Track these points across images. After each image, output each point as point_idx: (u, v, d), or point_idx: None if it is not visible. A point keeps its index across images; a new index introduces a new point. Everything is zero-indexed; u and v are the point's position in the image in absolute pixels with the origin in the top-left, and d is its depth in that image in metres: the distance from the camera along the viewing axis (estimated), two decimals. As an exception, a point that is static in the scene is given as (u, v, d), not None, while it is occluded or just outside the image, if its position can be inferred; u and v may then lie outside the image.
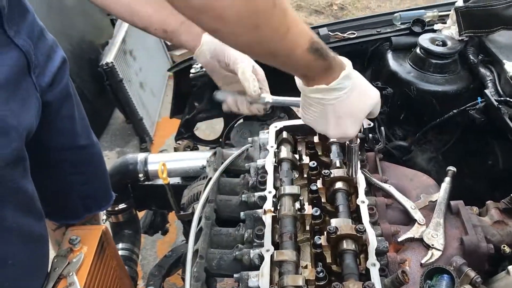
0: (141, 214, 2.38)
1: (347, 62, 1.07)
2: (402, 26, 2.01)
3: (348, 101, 1.08)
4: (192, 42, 1.33)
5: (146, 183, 2.07)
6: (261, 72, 1.42)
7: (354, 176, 1.37)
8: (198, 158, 2.01)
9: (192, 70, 2.10)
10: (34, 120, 1.22)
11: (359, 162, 1.38)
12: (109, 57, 3.29)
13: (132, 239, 2.13)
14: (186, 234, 1.95)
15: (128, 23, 1.32)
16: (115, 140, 3.84)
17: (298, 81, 1.09)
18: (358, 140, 1.29)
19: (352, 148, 1.30)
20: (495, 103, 1.53)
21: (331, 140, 1.55)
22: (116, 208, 2.08)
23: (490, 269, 1.36)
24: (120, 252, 2.03)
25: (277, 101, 1.42)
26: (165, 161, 1.88)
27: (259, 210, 1.40)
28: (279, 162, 1.51)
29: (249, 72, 1.32)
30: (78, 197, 1.61)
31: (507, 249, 1.31)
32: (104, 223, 2.07)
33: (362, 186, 1.40)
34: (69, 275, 1.42)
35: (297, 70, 1.04)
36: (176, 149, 2.28)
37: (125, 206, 2.09)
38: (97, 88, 3.61)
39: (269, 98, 1.40)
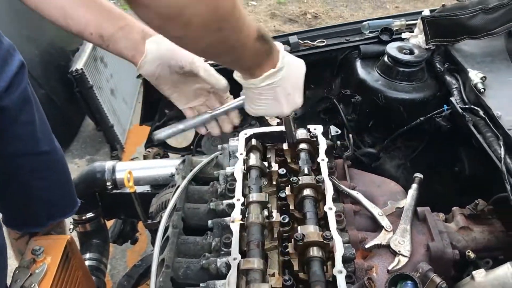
0: (109, 224, 2.33)
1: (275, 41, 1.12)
2: (371, 35, 2.04)
3: (290, 76, 1.15)
4: (132, 50, 1.16)
5: (115, 191, 2.03)
6: None
7: (294, 141, 1.47)
8: (167, 166, 1.99)
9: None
10: None
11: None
12: (79, 63, 3.23)
13: (100, 249, 2.08)
14: (154, 243, 1.92)
15: (62, 28, 1.16)
16: (85, 148, 3.77)
17: (241, 79, 1.13)
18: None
19: (288, 119, 1.37)
20: (460, 111, 1.56)
21: (300, 147, 1.55)
22: (84, 217, 2.03)
23: (456, 275, 1.38)
24: (87, 262, 1.98)
25: (218, 112, 1.29)
26: (133, 169, 1.85)
27: (227, 218, 1.39)
28: (248, 169, 1.50)
29: (211, 68, 1.26)
30: (40, 204, 1.56)
31: (472, 255, 1.33)
32: (71, 232, 2.02)
33: (330, 193, 1.40)
34: (31, 287, 1.38)
35: (246, 62, 1.07)
36: (145, 157, 2.25)
37: (92, 215, 2.05)
38: (67, 95, 3.53)
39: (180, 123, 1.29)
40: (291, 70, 1.15)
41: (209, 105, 1.29)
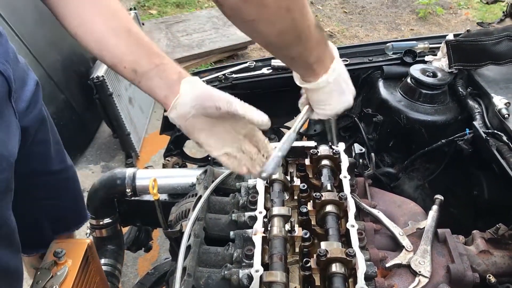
0: (124, 230, 2.35)
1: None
2: (394, 56, 2.07)
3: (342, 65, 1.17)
4: (165, 90, 1.04)
5: (133, 198, 2.05)
6: None
7: (335, 143, 1.44)
8: (187, 176, 2.00)
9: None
10: (17, 148, 1.17)
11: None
12: (100, 70, 3.28)
13: (115, 255, 2.09)
14: (173, 251, 1.93)
15: (97, 57, 1.09)
16: (100, 154, 3.81)
17: (307, 81, 1.13)
18: None
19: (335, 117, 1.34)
20: (484, 135, 1.57)
21: (322, 163, 1.56)
22: (101, 223, 2.04)
23: (475, 299, 1.38)
24: (102, 268, 1.99)
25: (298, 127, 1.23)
26: (154, 177, 1.87)
27: (249, 230, 1.40)
28: (270, 183, 1.52)
29: (249, 105, 1.14)
30: (49, 222, 1.57)
31: (493, 279, 1.33)
32: (87, 237, 2.04)
33: (352, 210, 1.41)
34: (52, 289, 1.40)
35: (312, 53, 1.05)
36: (164, 166, 2.26)
37: (110, 220, 2.06)
38: (86, 101, 3.59)
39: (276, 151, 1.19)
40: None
41: (244, 150, 1.16)
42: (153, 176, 1.75)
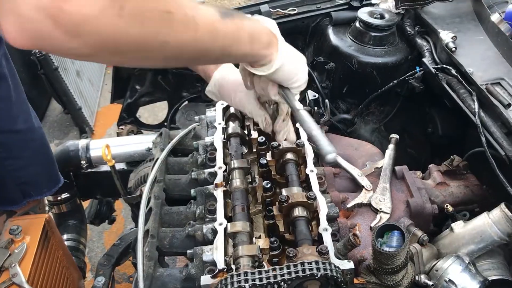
0: (85, 205, 2.29)
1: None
2: (341, 1, 2.04)
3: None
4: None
5: (89, 170, 1.99)
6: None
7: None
8: (143, 142, 1.96)
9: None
10: None
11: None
12: (41, 44, 3.12)
13: (77, 229, 2.04)
14: (135, 218, 1.90)
15: None
16: (53, 132, 3.68)
17: (259, 70, 1.09)
18: None
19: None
20: (433, 71, 1.59)
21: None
22: (59, 198, 1.99)
23: (435, 230, 1.42)
24: (65, 243, 1.95)
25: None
26: (107, 143, 1.82)
27: (210, 186, 1.38)
28: (227, 138, 1.50)
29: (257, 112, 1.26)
30: (15, 182, 1.52)
31: (450, 208, 1.37)
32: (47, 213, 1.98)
33: (310, 156, 1.41)
34: (11, 267, 1.35)
35: (246, 45, 1.01)
36: (119, 134, 2.20)
37: (68, 195, 2.00)
38: (31, 78, 3.42)
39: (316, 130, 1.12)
40: None
41: None
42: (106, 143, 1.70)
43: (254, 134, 1.54)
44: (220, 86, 1.29)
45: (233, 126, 1.51)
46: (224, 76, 1.28)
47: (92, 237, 2.82)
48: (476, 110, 1.34)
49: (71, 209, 2.04)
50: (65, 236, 1.99)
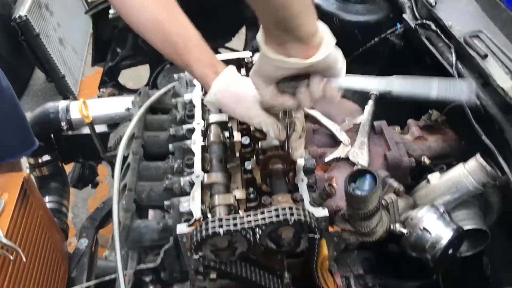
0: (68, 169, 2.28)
1: None
2: (323, -40, 2.01)
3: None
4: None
5: (70, 133, 1.97)
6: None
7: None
8: (123, 104, 1.94)
9: (111, 11, 1.99)
10: None
11: None
12: (22, 10, 3.05)
13: (59, 192, 2.03)
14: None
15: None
16: (37, 101, 3.63)
17: (304, 61, 0.89)
18: None
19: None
20: (413, 26, 1.58)
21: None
22: (40, 161, 1.97)
23: (412, 184, 1.43)
24: (47, 205, 1.94)
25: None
26: (89, 107, 1.80)
27: (188, 141, 1.38)
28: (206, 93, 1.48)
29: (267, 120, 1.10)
30: None
31: (427, 160, 1.38)
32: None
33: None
34: (-12, 223, 1.34)
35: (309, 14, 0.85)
36: (100, 97, 2.18)
37: (49, 158, 1.99)
38: (13, 46, 3.36)
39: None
40: None
41: None
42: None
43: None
44: (221, 97, 1.13)
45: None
46: (226, 86, 1.12)
47: (76, 203, 2.82)
48: (454, 62, 1.34)
49: (52, 171, 2.03)
50: (47, 199, 1.98)
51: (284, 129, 1.12)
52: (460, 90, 0.93)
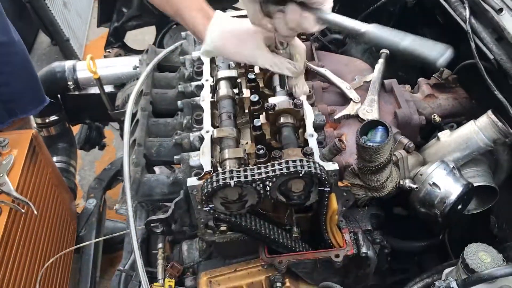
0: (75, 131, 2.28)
1: None
2: None
3: None
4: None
5: (77, 92, 1.97)
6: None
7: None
8: (130, 63, 1.92)
9: (116, -32, 1.96)
10: None
11: None
12: (25, -28, 3.02)
13: (67, 152, 2.05)
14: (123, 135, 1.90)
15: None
16: (41, 65, 3.57)
17: None
18: None
19: None
20: (425, -18, 1.55)
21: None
22: (47, 120, 1.98)
23: (422, 142, 1.42)
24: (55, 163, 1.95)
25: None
26: (96, 67, 1.78)
27: (197, 98, 1.37)
28: (214, 51, 1.47)
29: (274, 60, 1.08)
30: None
31: (437, 118, 1.37)
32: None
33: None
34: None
35: None
36: (106, 57, 2.16)
37: (56, 117, 1.99)
38: (17, 10, 3.33)
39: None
40: None
41: None
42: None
43: None
44: (220, 41, 1.07)
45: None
46: (223, 31, 1.08)
47: (83, 166, 2.83)
48: (467, 16, 1.31)
49: (60, 131, 2.04)
50: (54, 158, 2.00)
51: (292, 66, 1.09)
52: (432, 49, 0.88)
